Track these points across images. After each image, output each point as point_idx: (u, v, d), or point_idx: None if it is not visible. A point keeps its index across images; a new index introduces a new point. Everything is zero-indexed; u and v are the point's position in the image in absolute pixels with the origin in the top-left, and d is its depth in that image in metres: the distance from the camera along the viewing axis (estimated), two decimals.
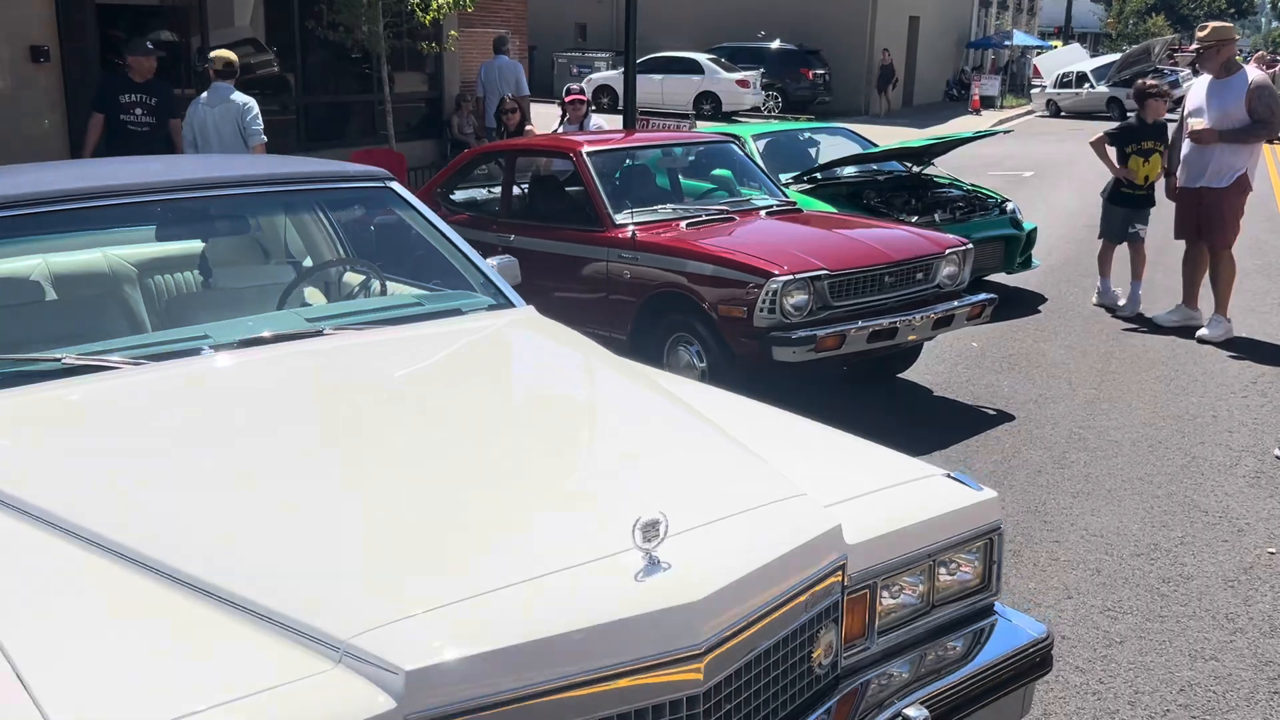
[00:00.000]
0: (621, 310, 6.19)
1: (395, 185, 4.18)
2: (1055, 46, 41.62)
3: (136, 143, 7.98)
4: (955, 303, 6.05)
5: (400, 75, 14.84)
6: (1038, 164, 19.43)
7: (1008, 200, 9.16)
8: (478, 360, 3.42)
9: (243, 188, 3.82)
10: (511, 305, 3.92)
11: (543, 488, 2.41)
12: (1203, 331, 7.70)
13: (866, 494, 2.58)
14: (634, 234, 6.15)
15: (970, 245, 6.25)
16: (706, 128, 12.97)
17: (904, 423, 6.02)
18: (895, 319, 5.72)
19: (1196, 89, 7.83)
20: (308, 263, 4.16)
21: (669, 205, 6.58)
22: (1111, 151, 8.38)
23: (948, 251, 6.08)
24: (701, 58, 28.24)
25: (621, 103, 14.10)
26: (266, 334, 3.29)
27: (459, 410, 2.87)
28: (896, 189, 9.18)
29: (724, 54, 29.36)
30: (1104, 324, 8.20)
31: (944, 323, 5.98)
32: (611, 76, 29.26)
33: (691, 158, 7.55)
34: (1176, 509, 4.90)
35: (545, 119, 22.90)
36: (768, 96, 28.94)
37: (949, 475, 2.72)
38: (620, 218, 6.30)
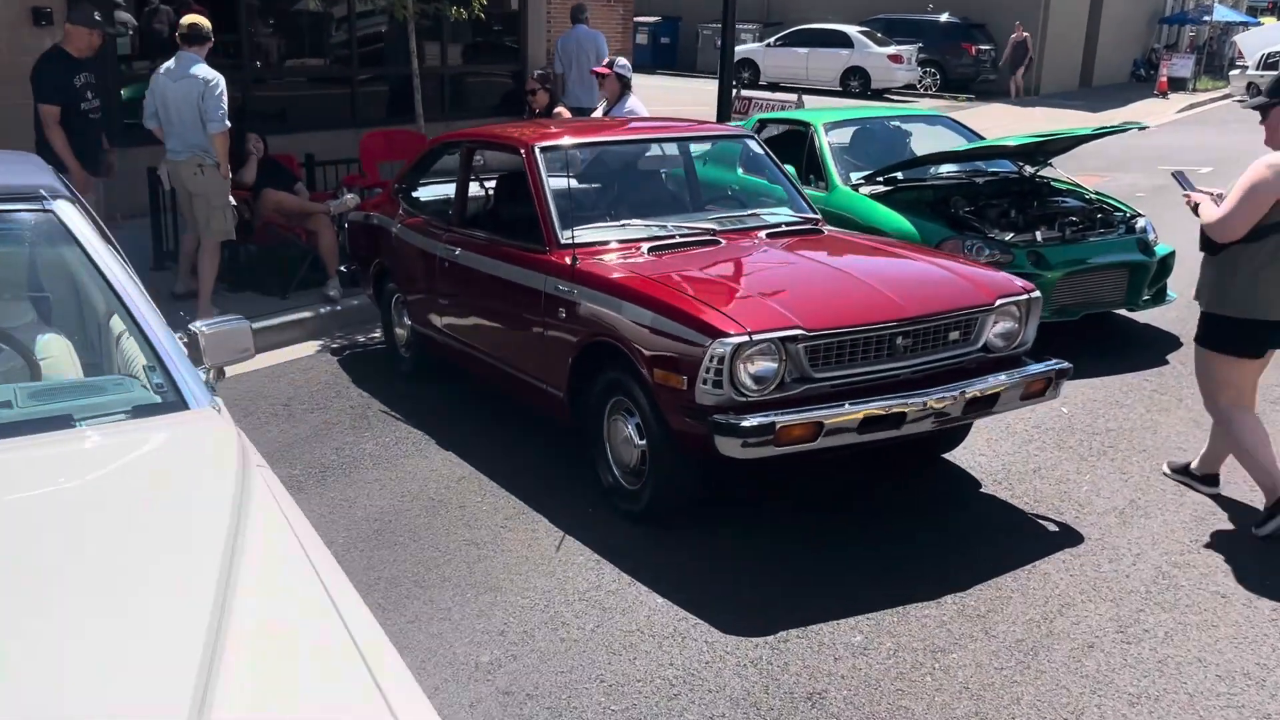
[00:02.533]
0: (557, 359, 4.71)
1: (60, 207, 2.81)
2: (1264, 23, 37.44)
3: (95, 135, 6.84)
4: (1003, 376, 4.32)
5: (479, 47, 13.61)
6: (1221, 157, 16.80)
7: (1139, 215, 7.21)
8: None
9: None
10: (181, 406, 2.52)
11: None
12: None
13: None
14: (574, 259, 4.65)
15: (1036, 294, 4.50)
16: (797, 112, 11.25)
17: (918, 536, 4.35)
18: (905, 399, 4.05)
19: None
20: None
21: (639, 220, 5.03)
22: None
23: (999, 302, 4.36)
24: (851, 30, 26.11)
25: (717, 78, 12.46)
26: None
27: None
28: (997, 195, 7.36)
29: (879, 27, 27.13)
30: None
31: (983, 404, 4.26)
32: (755, 49, 27.52)
33: (696, 157, 5.94)
34: None
35: (673, 94, 21.39)
36: (924, 73, 26.63)
37: None
38: (567, 236, 4.81)
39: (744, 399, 3.91)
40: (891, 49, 25.64)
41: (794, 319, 3.97)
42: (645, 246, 4.74)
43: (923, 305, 4.19)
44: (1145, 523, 4.50)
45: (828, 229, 5.25)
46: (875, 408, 3.98)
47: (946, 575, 4.02)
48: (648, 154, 5.68)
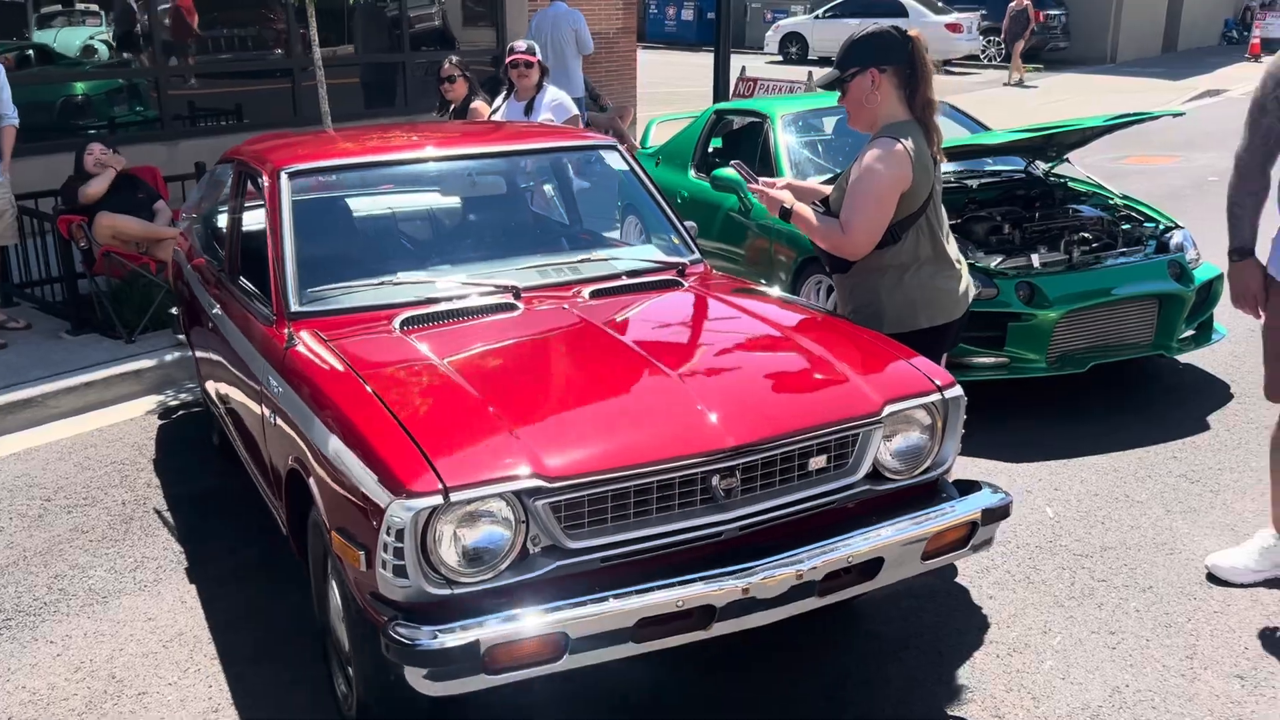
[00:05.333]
0: (277, 480, 3.31)
1: None
2: None
3: None
4: (887, 529, 2.78)
5: (450, 28, 12.25)
6: None
7: (1175, 228, 5.54)
8: None
9: None
10: None
11: None
12: None
13: None
14: (290, 338, 3.24)
15: (955, 391, 2.95)
16: (756, 100, 9.74)
17: None
18: (717, 581, 2.55)
19: None
20: None
21: (418, 275, 3.59)
22: None
23: (888, 410, 2.83)
24: None
25: (714, 56, 10.93)
26: None
27: None
28: (994, 203, 5.75)
29: None
30: None
31: (854, 576, 2.74)
32: (803, 22, 25.75)
33: (529, 177, 4.43)
34: None
35: (699, 71, 19.59)
36: (988, 43, 24.56)
37: None
38: (304, 299, 3.40)
39: (450, 591, 2.46)
40: (950, 17, 23.64)
41: (525, 461, 2.49)
42: (398, 319, 3.30)
43: (758, 426, 2.67)
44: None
45: (692, 281, 3.71)
46: (657, 600, 2.49)
47: None
48: (458, 176, 4.20)
